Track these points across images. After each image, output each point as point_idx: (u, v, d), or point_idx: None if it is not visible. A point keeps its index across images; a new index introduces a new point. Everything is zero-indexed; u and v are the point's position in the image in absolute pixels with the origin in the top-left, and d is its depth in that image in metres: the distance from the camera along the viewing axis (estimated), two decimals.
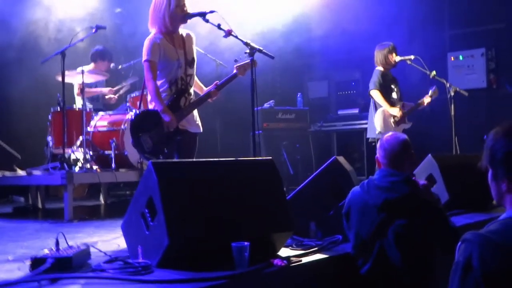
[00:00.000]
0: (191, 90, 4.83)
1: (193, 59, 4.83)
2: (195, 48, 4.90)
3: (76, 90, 7.65)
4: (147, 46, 4.62)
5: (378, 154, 3.60)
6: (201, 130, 4.90)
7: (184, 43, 4.79)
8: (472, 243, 1.74)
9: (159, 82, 4.67)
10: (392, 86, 6.86)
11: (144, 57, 4.63)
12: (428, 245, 3.42)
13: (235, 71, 4.86)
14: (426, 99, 6.89)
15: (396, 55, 6.87)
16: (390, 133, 3.71)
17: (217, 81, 4.90)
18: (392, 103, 6.78)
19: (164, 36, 4.69)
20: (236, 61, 4.87)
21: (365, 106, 8.98)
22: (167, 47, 4.66)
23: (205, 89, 4.95)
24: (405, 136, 3.62)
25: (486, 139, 1.87)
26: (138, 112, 4.82)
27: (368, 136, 7.02)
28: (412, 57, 6.93)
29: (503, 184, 1.83)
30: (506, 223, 1.79)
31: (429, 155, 5.43)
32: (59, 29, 8.55)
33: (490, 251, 1.71)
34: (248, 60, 4.77)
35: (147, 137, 4.57)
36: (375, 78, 6.82)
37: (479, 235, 1.75)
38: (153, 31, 4.71)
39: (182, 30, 4.83)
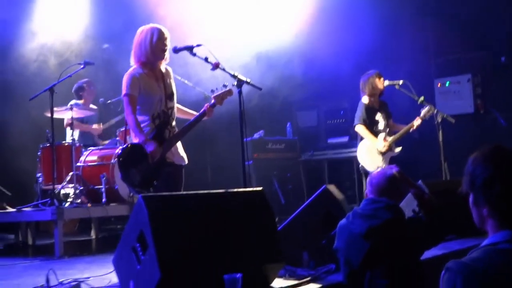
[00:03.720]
0: (173, 123, 4.85)
1: (172, 92, 4.87)
2: (173, 82, 4.94)
3: (65, 122, 7.65)
4: (126, 81, 4.66)
5: (367, 189, 3.65)
6: (186, 162, 4.89)
7: (163, 77, 4.83)
8: (455, 272, 1.74)
9: (141, 117, 4.69)
10: (377, 118, 6.89)
11: (124, 91, 4.65)
12: (418, 268, 3.43)
13: (212, 101, 4.89)
14: (416, 122, 6.87)
15: (383, 80, 6.92)
16: (378, 169, 3.76)
17: (207, 104, 4.90)
18: (376, 134, 6.82)
19: (144, 70, 4.72)
20: (213, 91, 4.91)
21: (355, 134, 9.02)
22: (146, 81, 4.70)
23: (196, 113, 4.97)
24: (392, 172, 3.63)
25: (466, 164, 1.88)
26: (124, 146, 4.81)
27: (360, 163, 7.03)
28: (401, 82, 6.97)
29: (484, 209, 1.83)
30: (488, 250, 1.79)
31: (419, 181, 5.44)
32: (47, 64, 8.59)
33: (473, 280, 1.70)
34: (225, 90, 4.83)
35: (135, 171, 4.56)
36: (358, 113, 6.88)
37: (462, 264, 1.75)
38: (133, 66, 4.75)
39: (161, 65, 4.87)
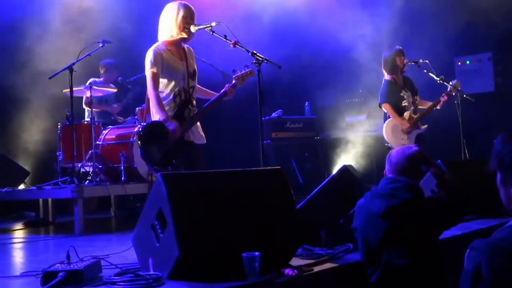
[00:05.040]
0: (194, 102, 4.85)
1: (194, 70, 4.87)
2: (195, 62, 4.93)
3: (83, 101, 7.71)
4: (150, 57, 4.65)
5: (386, 168, 3.62)
6: (205, 141, 4.90)
7: (186, 55, 4.82)
8: (480, 251, 1.71)
9: (163, 94, 4.69)
10: (402, 94, 6.83)
11: (147, 67, 4.65)
12: (436, 248, 3.42)
13: (233, 81, 4.88)
14: (443, 98, 6.82)
15: (404, 58, 6.86)
16: (398, 148, 3.73)
17: (228, 84, 4.91)
18: (402, 111, 6.76)
19: (168, 47, 4.73)
20: (234, 71, 4.90)
21: (373, 113, 8.95)
22: (170, 58, 4.70)
23: (216, 93, 4.97)
24: (411, 151, 3.59)
25: (494, 143, 1.85)
26: (144, 124, 4.82)
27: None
28: (420, 60, 6.93)
29: None
30: None
31: (438, 160, 5.40)
32: (66, 43, 8.61)
33: (499, 260, 1.68)
34: (246, 70, 4.82)
35: (155, 149, 4.58)
36: (383, 91, 6.83)
37: (487, 243, 1.72)
38: (157, 42, 4.74)
39: (184, 44, 4.86)
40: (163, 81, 4.69)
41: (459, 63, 9.29)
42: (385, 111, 6.86)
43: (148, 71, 4.63)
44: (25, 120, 8.55)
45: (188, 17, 4.70)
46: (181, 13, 4.67)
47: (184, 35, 4.72)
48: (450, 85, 6.84)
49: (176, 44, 4.77)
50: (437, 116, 7.18)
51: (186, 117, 4.72)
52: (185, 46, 4.87)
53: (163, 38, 4.75)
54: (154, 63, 4.62)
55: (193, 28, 4.71)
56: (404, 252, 3.32)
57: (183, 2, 4.76)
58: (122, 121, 7.99)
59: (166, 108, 4.65)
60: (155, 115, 4.66)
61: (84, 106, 7.78)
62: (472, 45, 9.13)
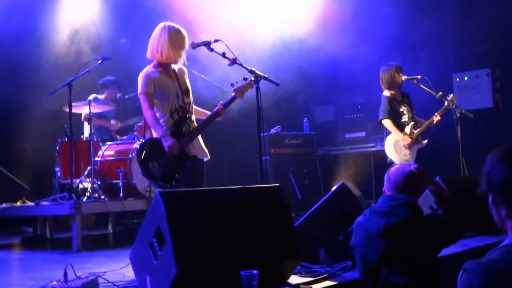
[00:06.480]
0: (193, 117, 4.86)
1: (187, 88, 4.88)
2: (188, 79, 4.94)
3: (83, 116, 7.71)
4: (142, 79, 4.69)
5: (385, 186, 3.61)
6: (209, 157, 4.90)
7: (177, 74, 4.85)
8: (472, 273, 1.70)
9: (159, 113, 4.71)
10: (401, 109, 6.83)
11: (140, 90, 4.68)
12: (435, 266, 3.41)
13: (233, 93, 4.89)
14: (436, 118, 6.80)
15: (402, 74, 6.87)
16: (396, 165, 3.73)
17: (221, 101, 4.92)
18: (402, 127, 6.76)
19: (158, 68, 4.75)
20: (232, 85, 4.90)
21: (372, 129, 8.96)
22: (161, 78, 4.72)
23: (209, 113, 4.98)
24: (410, 168, 3.60)
25: (484, 163, 1.84)
26: (143, 142, 4.83)
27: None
28: (419, 77, 6.93)
29: (503, 210, 1.79)
30: (507, 250, 1.75)
31: (437, 177, 5.40)
32: (66, 59, 8.63)
33: (491, 281, 1.66)
34: (245, 82, 4.83)
35: (156, 165, 4.57)
36: (383, 107, 6.79)
37: (479, 265, 1.71)
38: (148, 66, 4.78)
39: (174, 65, 4.88)
40: (157, 101, 4.71)
41: (457, 79, 9.31)
42: (386, 127, 6.84)
43: (142, 94, 4.66)
44: (24, 135, 8.54)
45: (179, 43, 4.73)
46: (172, 39, 4.69)
47: (174, 60, 4.76)
48: (446, 99, 6.84)
49: (166, 65, 4.80)
50: (436, 133, 7.18)
51: (185, 132, 4.72)
52: (178, 67, 4.89)
53: (152, 57, 4.77)
54: (146, 85, 4.66)
55: (190, 47, 4.75)
56: (403, 270, 3.31)
57: (175, 26, 4.78)
58: (119, 139, 7.99)
59: (165, 125, 4.66)
60: (154, 134, 4.69)
61: (83, 121, 7.77)
62: (471, 61, 9.16)
